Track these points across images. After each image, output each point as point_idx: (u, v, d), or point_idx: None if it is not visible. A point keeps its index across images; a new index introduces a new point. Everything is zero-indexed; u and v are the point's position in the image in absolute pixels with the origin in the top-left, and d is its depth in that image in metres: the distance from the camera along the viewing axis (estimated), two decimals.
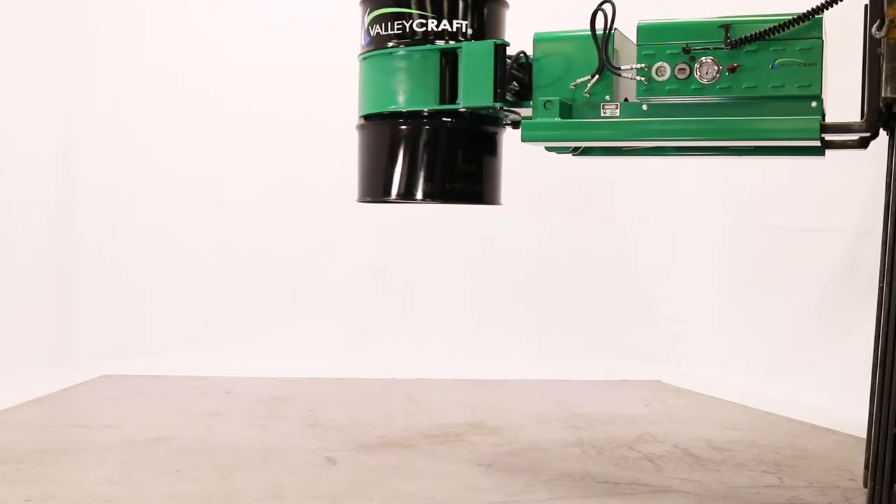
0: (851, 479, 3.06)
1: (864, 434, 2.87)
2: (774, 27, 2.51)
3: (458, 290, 5.31)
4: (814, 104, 2.53)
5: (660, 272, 5.35)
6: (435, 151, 3.04)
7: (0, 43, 4.75)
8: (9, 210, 4.77)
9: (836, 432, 3.73)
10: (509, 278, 5.27)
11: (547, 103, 2.77)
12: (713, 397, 4.55)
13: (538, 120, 2.78)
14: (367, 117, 3.12)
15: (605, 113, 2.77)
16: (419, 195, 3.05)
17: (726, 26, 2.56)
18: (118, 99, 5.25)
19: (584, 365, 5.11)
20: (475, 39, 3.02)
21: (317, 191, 5.20)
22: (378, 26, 3.07)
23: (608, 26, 2.74)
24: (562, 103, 2.76)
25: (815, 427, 3.83)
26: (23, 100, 4.86)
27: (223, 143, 5.27)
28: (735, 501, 2.84)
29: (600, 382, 4.87)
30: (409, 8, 3.02)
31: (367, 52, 3.10)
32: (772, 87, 2.54)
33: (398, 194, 3.06)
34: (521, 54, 2.93)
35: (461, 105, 2.93)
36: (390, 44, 3.03)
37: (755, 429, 3.84)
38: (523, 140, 2.80)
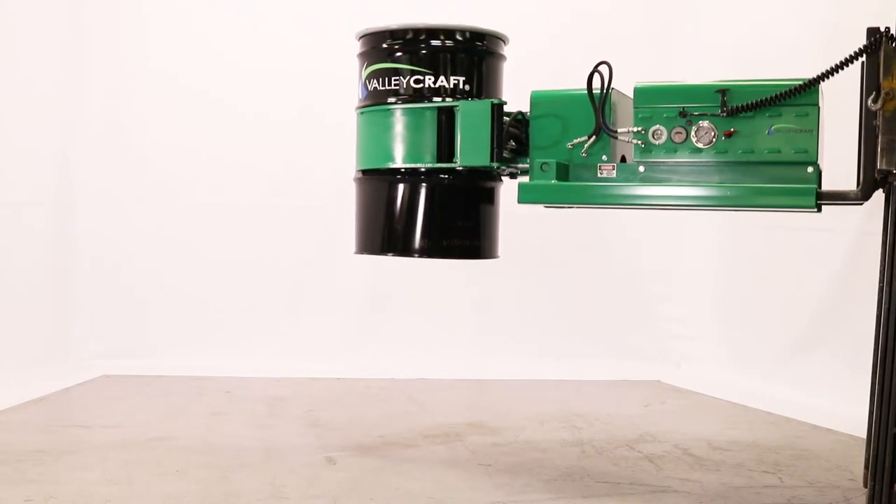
0: (851, 479, 3.06)
1: (864, 434, 2.87)
2: (771, 97, 2.52)
3: (458, 290, 5.31)
4: (810, 169, 2.54)
5: (660, 272, 5.35)
6: (432, 208, 3.06)
7: (0, 43, 4.76)
8: (9, 210, 4.77)
9: (836, 432, 3.73)
10: (509, 278, 5.27)
11: (544, 165, 2.79)
12: (713, 397, 4.55)
13: (535, 182, 2.80)
14: (364, 171, 3.14)
15: (601, 173, 2.78)
16: (417, 252, 3.07)
17: (723, 91, 2.58)
18: (118, 99, 5.25)
19: (584, 365, 5.11)
20: (473, 95, 3.04)
21: (317, 191, 5.20)
22: (375, 81, 3.09)
23: (605, 87, 2.74)
24: (559, 165, 2.78)
25: (815, 427, 3.83)
26: (22, 100, 4.86)
27: (223, 144, 5.27)
28: (735, 501, 2.84)
29: (600, 382, 4.87)
30: (406, 64, 3.04)
31: (365, 106, 3.13)
32: (768, 152, 2.56)
33: (395, 250, 3.09)
34: (519, 113, 2.95)
35: (458, 164, 2.95)
36: (388, 99, 3.05)
37: (755, 429, 3.84)
38: (520, 202, 2.81)
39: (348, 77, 5.41)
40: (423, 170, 3.01)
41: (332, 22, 5.27)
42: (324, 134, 5.16)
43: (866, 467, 2.83)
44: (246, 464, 3.17)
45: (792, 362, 4.56)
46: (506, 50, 3.21)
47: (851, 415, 3.46)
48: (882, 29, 2.37)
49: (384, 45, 3.10)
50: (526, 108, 2.92)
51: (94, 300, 5.24)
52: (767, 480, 3.06)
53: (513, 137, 2.95)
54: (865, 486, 2.72)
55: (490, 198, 3.14)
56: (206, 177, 5.27)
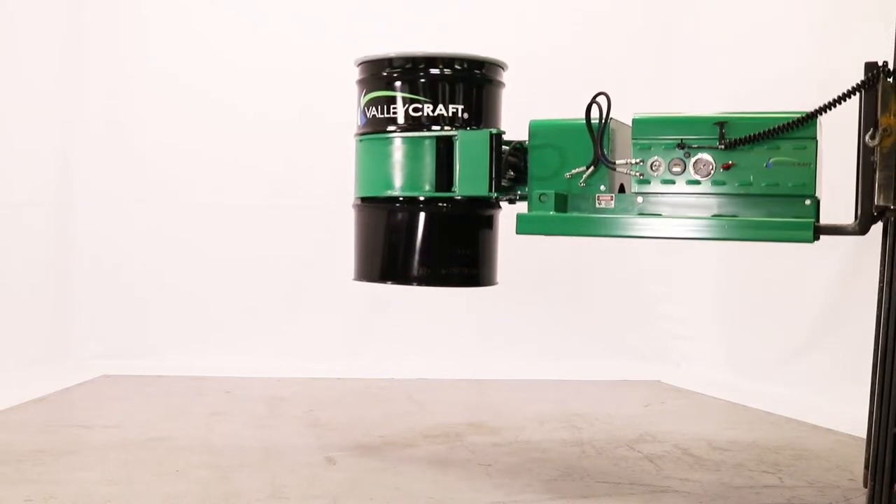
0: (851, 479, 3.06)
1: (864, 434, 2.87)
2: (769, 130, 2.52)
3: (458, 290, 5.30)
4: (808, 202, 2.54)
5: (660, 272, 5.35)
6: (431, 236, 3.07)
7: (0, 43, 4.76)
8: (9, 210, 4.77)
9: (836, 432, 3.73)
10: (509, 278, 5.27)
11: (542, 196, 2.79)
12: (713, 397, 4.55)
13: (533, 213, 2.81)
14: (363, 199, 3.15)
15: (600, 204, 2.79)
16: (415, 280, 3.07)
17: (721, 123, 2.58)
18: (118, 99, 5.25)
19: (584, 365, 5.11)
20: (472, 123, 3.04)
21: (317, 191, 5.20)
22: (374, 108, 3.09)
23: (603, 118, 2.75)
24: (557, 196, 2.78)
25: (815, 427, 3.83)
26: (22, 100, 4.86)
27: (223, 144, 5.27)
28: (735, 501, 2.84)
29: (600, 382, 4.88)
30: (405, 93, 3.04)
31: (364, 133, 3.13)
32: (766, 185, 2.56)
33: (394, 278, 3.10)
34: (518, 143, 2.95)
35: (457, 193, 2.96)
36: (387, 128, 3.05)
37: (755, 429, 3.84)
38: (518, 233, 2.81)
39: (348, 77, 5.42)
40: (421, 199, 3.03)
41: (332, 22, 5.28)
42: (324, 134, 5.16)
43: (866, 467, 2.83)
44: (246, 464, 3.17)
45: (792, 362, 4.56)
46: (505, 76, 3.21)
47: (851, 415, 3.46)
48: (880, 63, 2.36)
49: (382, 74, 3.10)
50: (525, 122, 2.92)
51: (94, 300, 5.24)
52: (767, 480, 3.06)
53: (512, 166, 2.96)
54: (865, 486, 2.72)
55: (489, 225, 3.15)
56: (206, 177, 5.28)
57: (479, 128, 3.04)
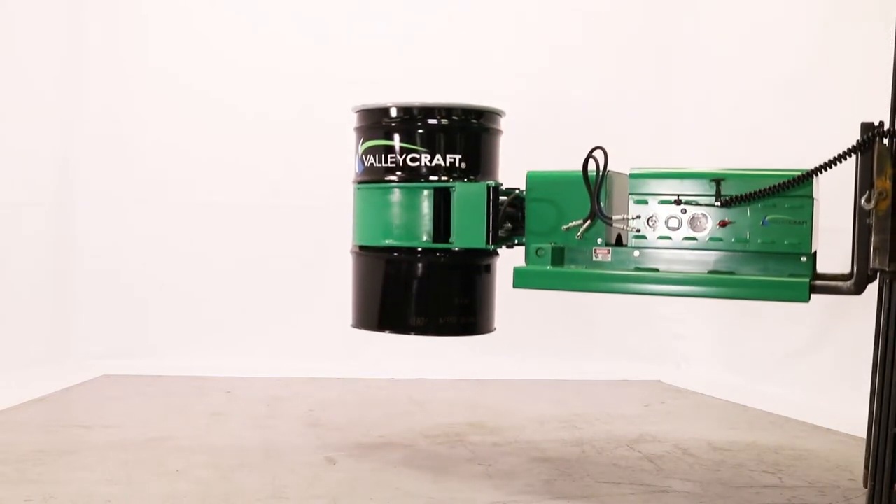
0: (851, 479, 3.07)
1: (864, 434, 2.87)
2: (765, 189, 2.53)
3: None
4: (804, 259, 2.56)
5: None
6: (428, 286, 3.08)
7: (0, 43, 4.76)
8: (9, 210, 4.78)
9: (836, 432, 3.73)
10: (509, 278, 5.27)
11: (539, 251, 2.80)
12: (713, 397, 4.55)
13: (531, 268, 2.82)
14: (361, 247, 3.16)
15: (597, 257, 2.80)
16: (413, 330, 3.09)
17: (718, 180, 2.58)
18: (118, 99, 5.25)
19: (584, 365, 5.11)
20: (470, 173, 3.04)
21: (317, 191, 5.20)
22: (372, 157, 3.10)
23: (600, 173, 2.75)
24: (554, 251, 2.80)
25: (815, 427, 3.83)
26: (22, 100, 4.86)
27: (223, 144, 5.27)
28: (735, 501, 2.84)
29: (600, 382, 4.88)
30: (402, 142, 3.04)
31: (362, 181, 3.14)
32: (762, 242, 2.57)
33: (392, 327, 3.11)
34: (516, 197, 2.97)
35: (455, 245, 2.97)
36: (384, 177, 3.06)
37: (755, 429, 3.84)
38: (515, 287, 2.82)
39: (348, 77, 5.44)
40: (419, 249, 3.04)
41: (331, 22, 5.28)
42: (323, 134, 5.16)
43: (866, 467, 2.83)
44: (246, 464, 3.17)
45: (792, 362, 4.56)
46: (503, 122, 3.22)
47: (851, 415, 3.46)
48: (876, 124, 2.38)
49: (380, 123, 3.10)
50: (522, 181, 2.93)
51: (94, 300, 5.24)
52: (767, 480, 3.06)
53: (509, 217, 2.98)
54: (865, 486, 2.72)
55: (486, 273, 3.15)
56: (206, 177, 5.28)
57: (477, 177, 3.05)
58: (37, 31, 4.93)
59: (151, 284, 5.27)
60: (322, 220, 5.19)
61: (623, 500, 2.83)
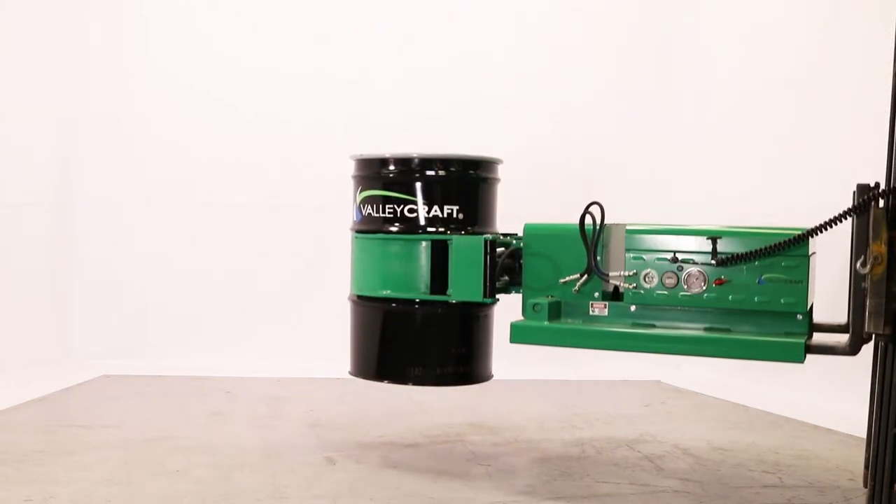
0: (851, 479, 3.07)
1: (864, 434, 2.87)
2: (761, 250, 2.53)
3: None
4: (799, 317, 2.57)
5: None
6: (425, 337, 3.10)
7: (0, 43, 4.76)
8: (9, 210, 4.78)
9: (836, 432, 3.73)
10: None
11: (536, 306, 2.81)
12: (713, 397, 4.55)
13: (528, 323, 2.82)
14: (359, 296, 3.17)
15: (593, 311, 2.82)
16: (411, 380, 3.10)
17: (714, 238, 2.60)
18: (118, 99, 5.26)
19: (584, 365, 5.11)
20: (467, 223, 3.06)
21: (317, 191, 5.20)
22: (369, 206, 3.12)
23: (597, 229, 2.77)
24: (550, 305, 2.80)
25: (816, 427, 3.83)
26: (22, 100, 4.86)
27: (223, 144, 5.27)
28: (735, 501, 2.84)
29: (600, 382, 4.87)
30: (400, 193, 3.05)
31: (360, 230, 3.15)
32: (758, 300, 2.58)
33: (389, 377, 3.13)
34: (513, 251, 2.98)
35: (452, 298, 2.98)
36: (382, 227, 3.07)
37: (755, 429, 3.84)
38: (512, 342, 2.83)
39: (348, 77, 5.44)
40: (416, 301, 3.05)
41: (331, 22, 5.28)
42: (323, 134, 5.16)
43: (866, 467, 2.83)
44: (246, 464, 3.17)
45: (791, 362, 4.55)
46: (500, 171, 3.23)
47: (851, 415, 3.46)
48: (872, 185, 2.39)
49: (378, 174, 3.12)
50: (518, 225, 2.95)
51: (94, 300, 5.24)
52: (767, 480, 3.06)
53: (507, 269, 2.99)
54: (865, 486, 2.72)
55: (484, 322, 3.16)
56: (206, 177, 5.28)
57: (474, 227, 3.07)
58: (37, 31, 4.94)
59: (151, 284, 5.27)
60: (322, 220, 5.19)
61: (623, 500, 2.83)
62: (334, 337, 5.21)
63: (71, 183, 5.21)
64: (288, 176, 5.29)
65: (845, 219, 2.39)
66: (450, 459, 3.29)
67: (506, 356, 5.14)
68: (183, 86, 5.26)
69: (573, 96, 5.30)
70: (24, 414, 3.91)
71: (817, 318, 2.74)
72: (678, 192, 5.27)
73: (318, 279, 5.26)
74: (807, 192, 4.55)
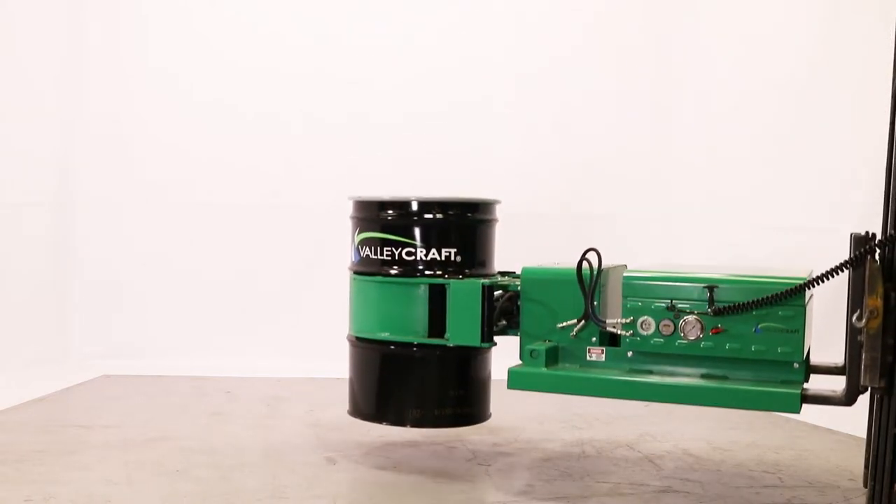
0: (851, 479, 3.07)
1: (864, 434, 2.87)
2: (757, 300, 2.54)
3: None
4: (796, 365, 2.58)
5: None
6: (423, 380, 3.09)
7: (0, 43, 4.76)
8: (9, 210, 4.78)
9: (836, 432, 3.73)
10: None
11: (533, 352, 2.81)
12: None
13: (525, 370, 2.82)
14: (358, 338, 3.18)
15: (590, 356, 2.82)
16: (409, 422, 3.10)
17: (711, 287, 2.60)
18: (118, 99, 5.26)
19: None
20: (465, 266, 3.06)
21: (317, 191, 5.20)
22: (367, 248, 3.12)
23: (594, 276, 2.77)
24: (548, 352, 2.80)
25: (815, 427, 3.83)
26: (22, 100, 4.86)
27: (223, 144, 5.27)
28: (735, 501, 2.84)
29: None
30: (398, 236, 3.06)
31: (358, 272, 3.16)
32: (754, 349, 2.58)
33: (387, 419, 3.13)
34: (510, 282, 2.99)
35: (449, 342, 2.98)
36: (380, 269, 3.08)
37: (755, 429, 3.84)
38: (509, 388, 2.83)
39: (348, 77, 5.43)
40: (414, 344, 3.05)
41: (332, 22, 5.28)
42: (323, 134, 5.16)
43: (866, 467, 2.83)
44: (246, 464, 3.17)
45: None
46: (498, 210, 3.23)
47: (851, 415, 3.45)
48: (868, 234, 2.41)
49: (376, 216, 3.12)
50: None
51: (94, 300, 5.24)
52: (767, 480, 3.06)
53: (505, 312, 3.00)
54: (865, 486, 2.72)
55: (482, 364, 3.17)
56: (206, 177, 5.28)
57: (472, 269, 3.08)
58: (37, 31, 4.94)
59: (151, 284, 5.27)
60: (322, 220, 5.19)
61: (623, 500, 2.83)
62: (334, 337, 5.23)
63: (71, 183, 5.20)
64: (288, 176, 5.29)
65: (841, 271, 2.40)
66: (450, 459, 3.29)
67: (506, 355, 5.17)
68: (183, 86, 5.26)
69: (573, 97, 5.30)
70: (24, 414, 3.91)
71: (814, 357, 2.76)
72: (678, 192, 5.27)
73: (318, 279, 5.26)
74: (807, 192, 4.56)
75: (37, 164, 5.00)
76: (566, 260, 3.00)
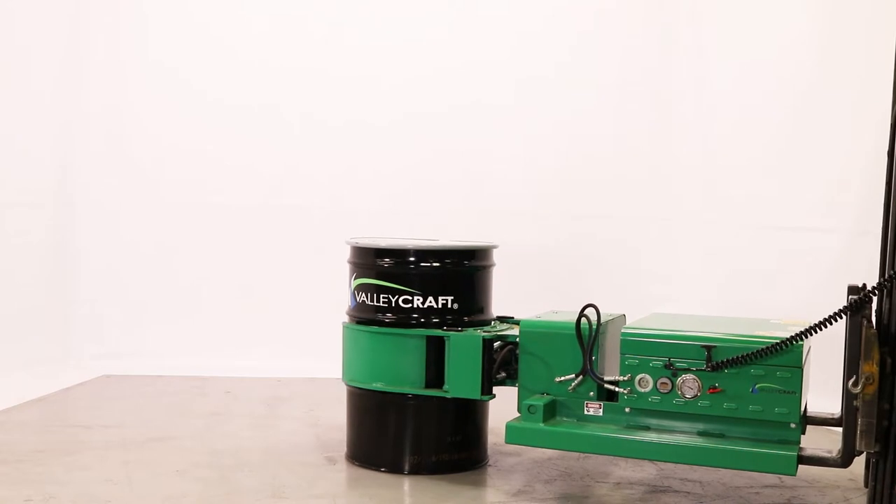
0: (851, 479, 3.07)
1: None
2: (753, 353, 2.54)
3: None
4: (792, 426, 2.60)
5: (660, 273, 5.34)
6: (421, 428, 3.10)
7: (0, 43, 4.76)
8: (9, 210, 4.77)
9: (836, 432, 3.72)
10: (509, 278, 5.27)
11: (531, 408, 2.81)
12: None
13: (523, 425, 2.81)
14: (353, 386, 3.18)
15: (588, 411, 2.83)
16: (407, 469, 3.09)
17: (708, 347, 2.61)
18: (118, 99, 5.25)
19: None
20: (462, 313, 3.07)
21: (317, 191, 5.19)
22: (364, 294, 3.12)
23: (592, 332, 2.78)
24: (545, 407, 2.80)
25: (815, 427, 3.82)
26: (22, 100, 4.86)
27: (223, 144, 5.26)
28: (735, 501, 2.84)
29: None
30: (395, 284, 3.05)
31: (354, 319, 3.16)
32: (751, 409, 2.60)
33: (386, 466, 3.11)
34: (508, 330, 3.01)
35: (449, 394, 2.99)
36: (376, 317, 3.08)
37: None
38: (507, 442, 2.83)
39: (349, 77, 5.43)
40: (410, 395, 3.05)
41: (332, 22, 5.27)
42: (323, 134, 5.15)
43: (866, 467, 2.84)
44: (246, 464, 3.17)
45: None
46: (495, 254, 3.23)
47: None
48: (860, 286, 2.43)
49: (373, 263, 3.12)
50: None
51: (93, 300, 5.23)
52: (767, 480, 3.06)
53: (504, 363, 2.99)
54: (866, 486, 2.72)
55: (479, 410, 3.18)
56: (206, 177, 5.27)
57: (470, 317, 3.09)
58: (37, 31, 4.93)
59: (151, 285, 5.27)
60: (322, 220, 5.19)
61: (623, 500, 2.83)
62: (334, 337, 5.23)
63: (71, 183, 5.20)
64: (288, 176, 5.29)
65: (836, 320, 2.43)
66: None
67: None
68: (183, 86, 5.25)
69: (573, 98, 5.29)
70: (24, 414, 3.91)
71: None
72: (678, 192, 5.27)
73: (318, 279, 5.25)
74: (806, 192, 4.55)
75: (37, 163, 4.99)
76: (565, 307, 3.03)
